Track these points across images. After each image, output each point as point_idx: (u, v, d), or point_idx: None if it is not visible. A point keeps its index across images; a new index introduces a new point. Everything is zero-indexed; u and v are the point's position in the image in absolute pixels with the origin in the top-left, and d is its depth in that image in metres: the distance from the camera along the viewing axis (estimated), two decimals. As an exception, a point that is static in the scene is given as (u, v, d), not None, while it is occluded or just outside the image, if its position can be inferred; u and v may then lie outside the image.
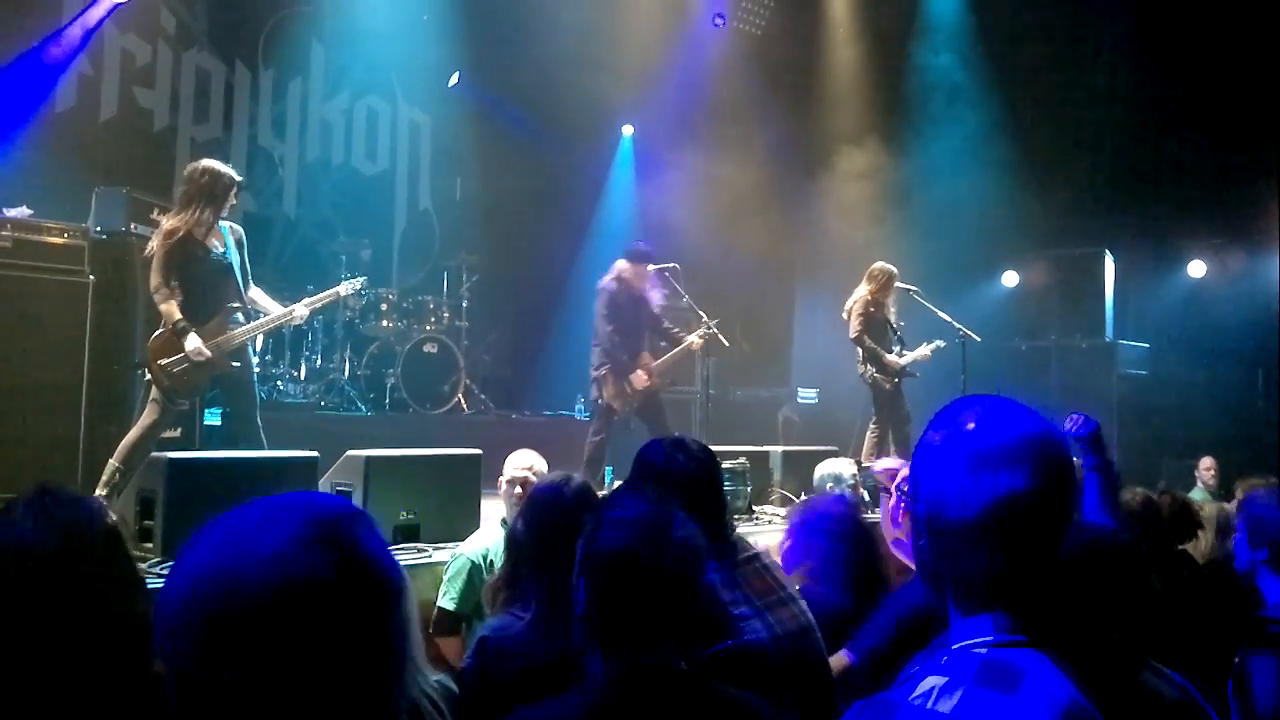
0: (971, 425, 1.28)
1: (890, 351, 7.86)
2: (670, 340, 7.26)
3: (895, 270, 7.93)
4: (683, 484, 2.48)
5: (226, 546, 1.03)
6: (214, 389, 5.51)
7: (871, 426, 7.93)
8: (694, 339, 7.17)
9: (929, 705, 1.18)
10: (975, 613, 1.26)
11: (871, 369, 7.82)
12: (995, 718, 1.15)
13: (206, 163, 5.43)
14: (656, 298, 7.20)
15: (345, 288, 6.07)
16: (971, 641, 1.24)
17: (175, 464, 4.09)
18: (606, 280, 7.08)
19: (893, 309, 8.04)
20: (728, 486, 5.99)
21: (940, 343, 7.89)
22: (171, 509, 3.98)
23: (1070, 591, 1.32)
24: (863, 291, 7.86)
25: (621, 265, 7.07)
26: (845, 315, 7.95)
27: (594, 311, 7.12)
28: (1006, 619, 1.23)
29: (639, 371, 7.01)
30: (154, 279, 5.21)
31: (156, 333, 5.24)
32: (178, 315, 5.17)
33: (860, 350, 7.83)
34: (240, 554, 1.02)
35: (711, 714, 1.80)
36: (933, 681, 1.22)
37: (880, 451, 7.63)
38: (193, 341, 5.18)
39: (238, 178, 5.42)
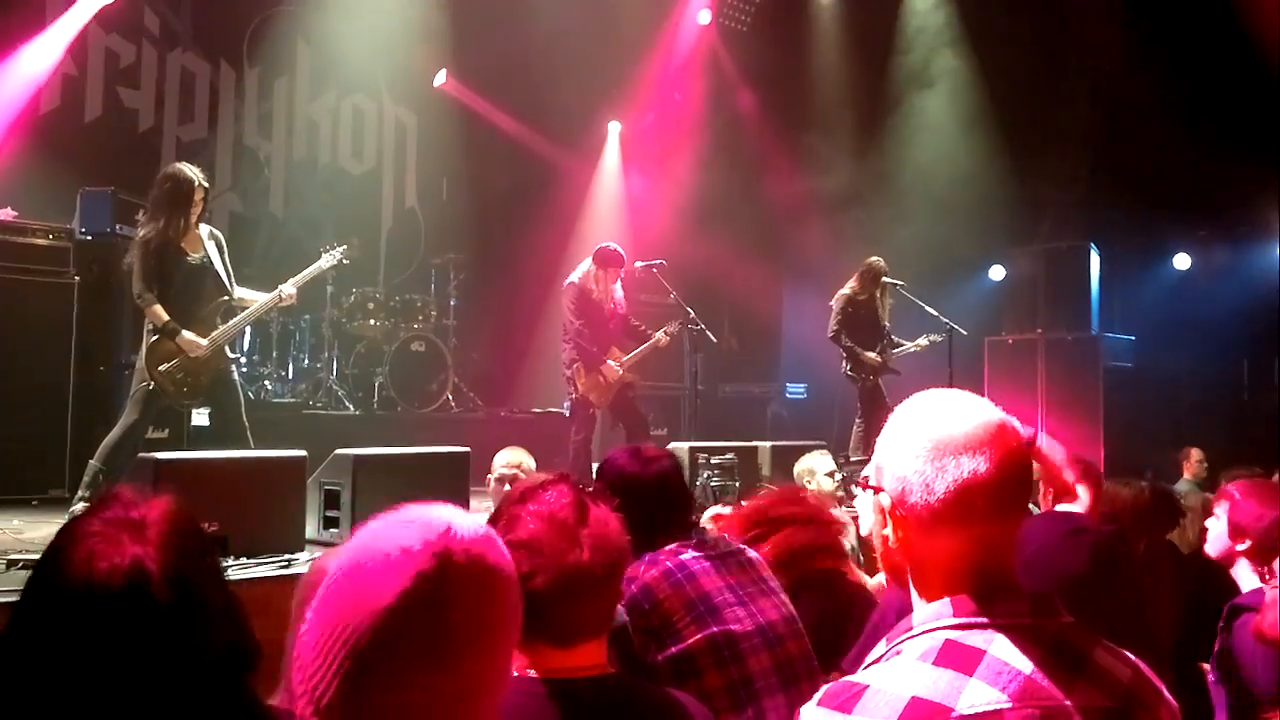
0: (932, 416, 1.32)
1: (875, 348, 7.89)
2: (639, 338, 7.29)
3: (881, 265, 7.97)
4: (649, 492, 2.57)
5: None
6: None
7: (857, 421, 7.99)
8: (660, 335, 7.21)
9: (891, 687, 1.21)
10: (936, 596, 1.29)
11: (848, 365, 7.89)
12: (955, 698, 1.18)
13: (170, 169, 5.39)
14: (621, 299, 7.23)
15: (327, 259, 5.94)
16: (933, 624, 1.27)
17: (163, 465, 4.10)
18: (573, 277, 7.13)
19: (886, 305, 8.08)
20: (715, 481, 6.10)
21: (936, 336, 7.92)
22: (159, 509, 3.98)
23: (1038, 577, 1.35)
24: (845, 289, 7.92)
25: (588, 266, 7.10)
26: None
27: (563, 308, 7.18)
28: (966, 602, 1.27)
29: (610, 363, 7.04)
30: (135, 286, 5.18)
31: (151, 340, 5.18)
32: (165, 317, 5.15)
33: (840, 347, 7.90)
34: None
35: (638, 715, 1.77)
36: (895, 663, 1.26)
37: (867, 446, 7.67)
38: (187, 336, 5.17)
39: (202, 180, 5.32)
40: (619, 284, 7.20)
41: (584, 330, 7.02)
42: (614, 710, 1.76)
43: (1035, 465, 3.05)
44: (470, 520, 1.09)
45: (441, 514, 1.07)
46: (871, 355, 7.84)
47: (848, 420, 8.49)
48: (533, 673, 1.75)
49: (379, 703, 0.96)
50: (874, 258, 8.04)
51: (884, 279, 8.01)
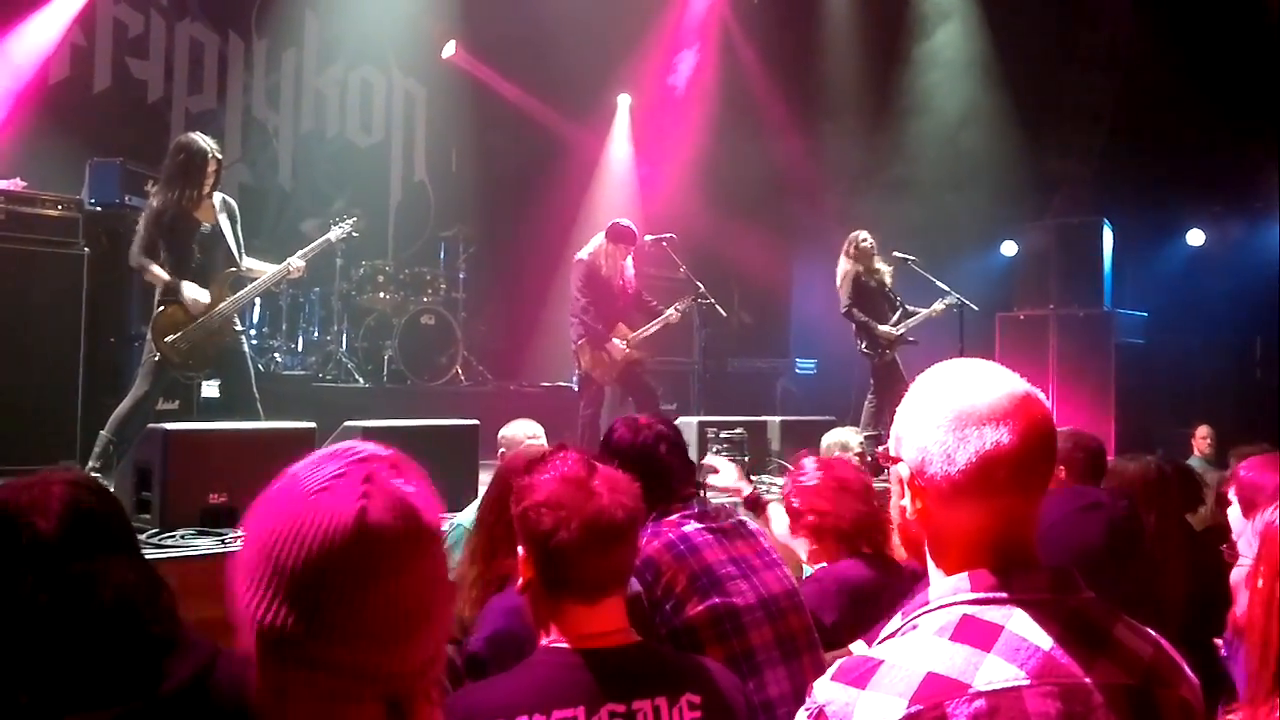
0: (955, 385, 1.29)
1: (886, 320, 7.82)
2: (650, 314, 7.25)
3: (866, 235, 7.86)
4: (632, 456, 2.57)
5: None
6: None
7: (870, 397, 7.93)
8: (671, 312, 7.15)
9: (907, 662, 1.19)
10: (955, 570, 1.27)
11: (863, 342, 7.80)
12: (971, 674, 1.16)
13: (183, 139, 5.36)
14: (632, 275, 7.18)
15: (336, 233, 5.95)
16: (950, 598, 1.25)
17: (172, 435, 4.10)
18: (583, 253, 7.09)
19: (887, 275, 7.98)
20: (725, 457, 6.08)
21: (950, 300, 7.80)
22: (168, 481, 3.99)
23: (1052, 552, 1.33)
24: (845, 264, 7.82)
25: (599, 241, 7.07)
26: (838, 289, 7.94)
27: (570, 283, 7.14)
28: (985, 575, 1.24)
29: (616, 341, 7.01)
30: (132, 250, 5.17)
31: (158, 310, 5.18)
32: (165, 276, 5.13)
33: (852, 324, 7.83)
34: None
35: (665, 685, 1.81)
36: (912, 637, 1.24)
37: (878, 422, 7.62)
38: (190, 290, 5.13)
39: (215, 151, 5.30)
40: (630, 260, 7.17)
41: (589, 307, 6.98)
42: (646, 679, 1.80)
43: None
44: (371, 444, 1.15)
45: (349, 444, 1.14)
46: (886, 329, 7.76)
47: (858, 395, 8.45)
48: (564, 643, 1.80)
49: (344, 621, 1.01)
50: (856, 231, 7.94)
51: (895, 254, 7.96)
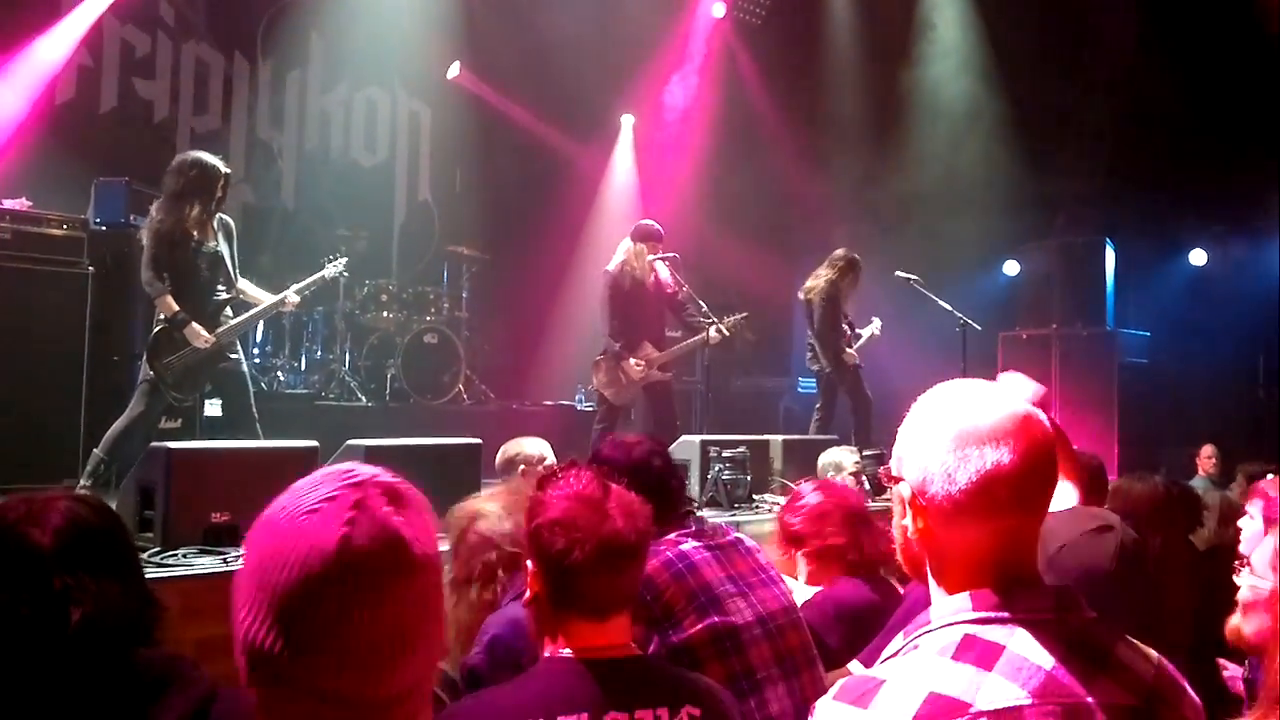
0: (957, 405, 1.30)
1: (844, 339, 7.84)
2: (688, 328, 7.16)
3: (858, 258, 7.90)
4: (627, 473, 2.55)
5: None
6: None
7: (821, 410, 7.92)
8: (712, 333, 6.90)
9: (908, 682, 1.19)
10: (956, 589, 1.27)
11: (825, 360, 7.75)
12: (973, 693, 1.16)
13: (194, 156, 5.41)
14: (669, 278, 7.01)
15: (330, 270, 6.09)
16: (952, 618, 1.25)
17: (175, 455, 4.10)
18: (610, 265, 7.01)
19: (850, 300, 7.97)
20: (727, 475, 6.07)
21: (875, 331, 8.01)
22: (171, 500, 3.99)
23: (1062, 574, 1.33)
24: (828, 277, 7.80)
25: (625, 245, 6.97)
26: (804, 298, 7.90)
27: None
28: (987, 595, 1.25)
29: (632, 361, 6.95)
30: (144, 274, 5.22)
31: (155, 331, 5.23)
32: (175, 307, 5.17)
33: (819, 341, 7.77)
34: None
35: (666, 696, 1.83)
36: (913, 657, 1.24)
37: (825, 432, 7.57)
38: (195, 328, 5.19)
39: (226, 170, 5.37)
40: (664, 264, 6.96)
41: (613, 321, 6.90)
42: (648, 689, 1.82)
43: None
44: (370, 467, 1.15)
45: (350, 466, 1.14)
46: (851, 352, 7.81)
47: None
48: (568, 651, 1.82)
49: (323, 644, 1.02)
50: (850, 252, 7.97)
51: (898, 274, 7.98)
